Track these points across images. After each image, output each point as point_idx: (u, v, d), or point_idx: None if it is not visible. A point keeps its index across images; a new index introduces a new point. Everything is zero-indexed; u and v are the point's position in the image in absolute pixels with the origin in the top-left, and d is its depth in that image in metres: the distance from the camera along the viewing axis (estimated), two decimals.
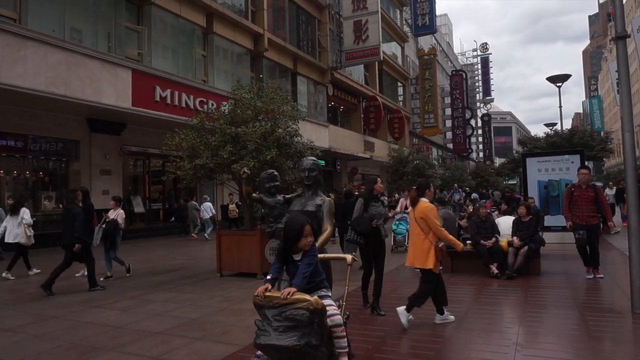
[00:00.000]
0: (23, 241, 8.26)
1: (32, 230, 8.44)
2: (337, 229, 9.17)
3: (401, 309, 4.70)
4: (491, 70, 62.32)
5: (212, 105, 13.64)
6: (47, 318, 5.44)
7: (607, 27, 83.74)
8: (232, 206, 15.37)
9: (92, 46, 12.43)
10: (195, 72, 16.42)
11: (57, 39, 11.12)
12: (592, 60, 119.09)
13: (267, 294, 2.66)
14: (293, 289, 2.63)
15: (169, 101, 13.79)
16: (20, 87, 10.19)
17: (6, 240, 8.40)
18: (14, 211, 8.47)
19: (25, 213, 8.38)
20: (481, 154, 59.66)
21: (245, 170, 4.99)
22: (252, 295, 2.73)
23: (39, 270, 8.60)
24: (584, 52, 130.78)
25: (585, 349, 3.99)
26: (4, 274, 8.20)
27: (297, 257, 2.89)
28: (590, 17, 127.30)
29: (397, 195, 22.56)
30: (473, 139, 53.72)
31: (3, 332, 4.91)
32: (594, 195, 6.99)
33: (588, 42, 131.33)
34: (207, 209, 15.54)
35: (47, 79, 10.69)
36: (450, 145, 46.41)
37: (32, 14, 11.56)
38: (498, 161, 57.33)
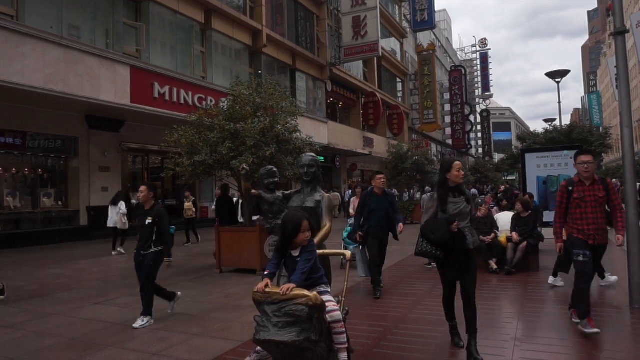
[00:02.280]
0: (119, 226, 10.89)
1: (126, 219, 10.89)
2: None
3: (550, 278, 6.32)
4: (490, 66, 62.24)
5: (211, 101, 13.62)
6: (46, 315, 5.44)
7: (606, 22, 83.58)
8: (188, 204, 13.03)
9: (90, 43, 12.39)
10: (194, 68, 16.38)
11: (55, 35, 11.09)
12: (591, 55, 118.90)
13: (267, 289, 2.66)
14: (292, 285, 2.64)
15: (167, 98, 13.77)
16: (19, 84, 10.16)
17: (108, 225, 11.07)
18: (114, 203, 11.02)
19: (122, 205, 10.87)
20: (480, 150, 59.65)
21: (244, 167, 4.97)
22: (252, 291, 2.74)
23: (124, 252, 10.73)
24: (583, 48, 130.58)
25: (584, 344, 4.00)
26: (113, 253, 10.71)
27: (296, 253, 2.89)
28: (589, 12, 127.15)
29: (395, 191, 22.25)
30: (472, 135, 53.68)
31: (3, 329, 4.92)
32: (606, 194, 4.45)
33: (587, 37, 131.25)
34: None
35: (45, 76, 10.66)
36: (450, 141, 46.35)
37: (30, 11, 11.51)
38: (497, 157, 57.32)
